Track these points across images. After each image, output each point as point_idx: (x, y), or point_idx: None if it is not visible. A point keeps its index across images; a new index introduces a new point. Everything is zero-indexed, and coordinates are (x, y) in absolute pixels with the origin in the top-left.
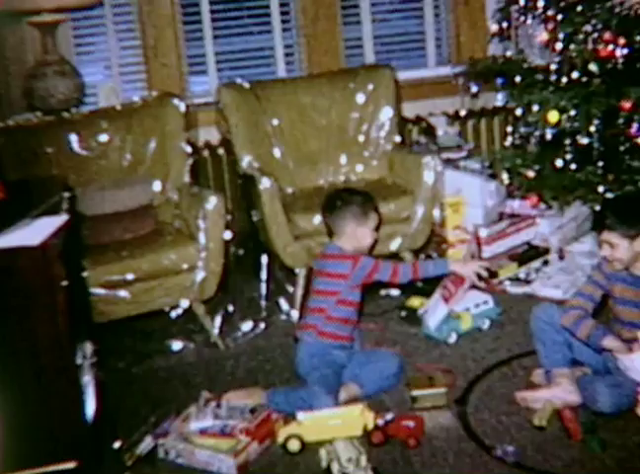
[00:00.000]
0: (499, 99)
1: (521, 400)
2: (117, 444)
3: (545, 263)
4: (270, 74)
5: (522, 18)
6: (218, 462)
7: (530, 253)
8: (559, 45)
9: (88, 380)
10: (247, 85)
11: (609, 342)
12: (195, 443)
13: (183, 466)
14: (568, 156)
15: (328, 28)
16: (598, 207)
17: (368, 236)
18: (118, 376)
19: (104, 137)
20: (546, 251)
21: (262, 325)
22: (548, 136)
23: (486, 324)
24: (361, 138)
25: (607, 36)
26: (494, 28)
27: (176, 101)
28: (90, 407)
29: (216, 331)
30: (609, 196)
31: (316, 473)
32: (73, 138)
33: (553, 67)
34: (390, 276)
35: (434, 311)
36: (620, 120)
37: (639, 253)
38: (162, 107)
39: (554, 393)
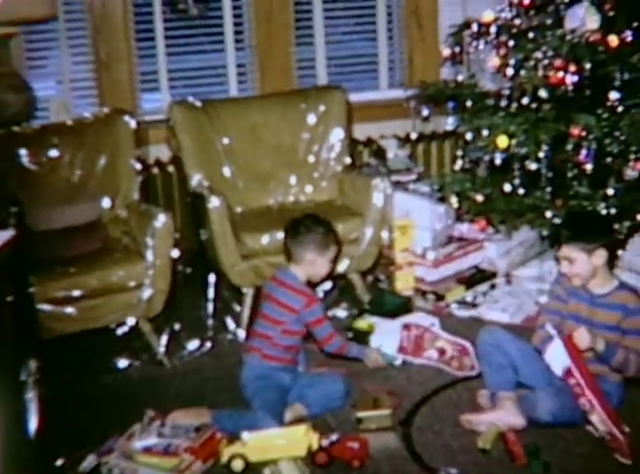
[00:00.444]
0: (450, 123)
1: (466, 422)
2: (59, 462)
3: (492, 286)
4: (222, 93)
5: (475, 43)
6: None
7: (478, 276)
8: (510, 71)
9: (31, 397)
10: (199, 103)
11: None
12: (138, 462)
13: None
14: (516, 181)
15: (281, 48)
16: (552, 227)
17: (326, 267)
18: (62, 393)
19: (54, 152)
20: (493, 275)
21: (208, 344)
22: (497, 161)
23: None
24: (312, 159)
25: (558, 62)
26: (446, 52)
27: (127, 117)
28: (33, 424)
29: (162, 349)
30: (558, 221)
31: None
32: (23, 153)
33: (504, 93)
34: (323, 338)
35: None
36: (569, 147)
37: (597, 268)
38: (113, 123)
39: (498, 416)
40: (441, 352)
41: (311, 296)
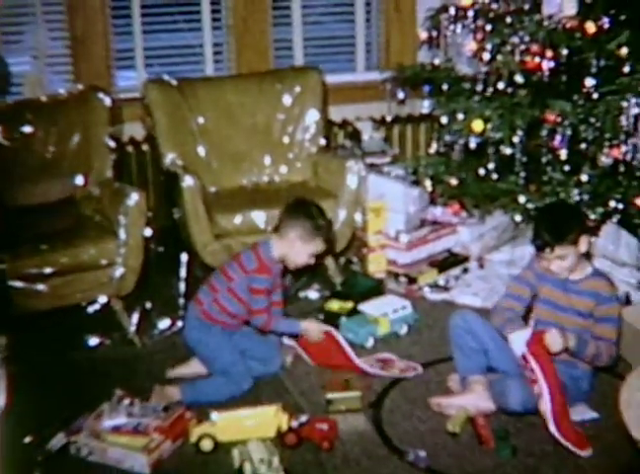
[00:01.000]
0: (425, 106)
1: (436, 406)
2: (27, 440)
3: (465, 270)
4: (198, 72)
5: (452, 27)
6: (131, 460)
7: (450, 260)
8: (486, 56)
9: (0, 374)
10: (174, 82)
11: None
12: (107, 441)
13: (95, 464)
14: (491, 165)
15: (258, 28)
16: (527, 216)
17: (303, 256)
18: (32, 371)
19: (27, 129)
20: (466, 259)
21: (179, 323)
22: (472, 145)
23: (404, 329)
24: (286, 140)
25: (535, 48)
26: (423, 35)
27: (102, 95)
28: (1, 400)
29: (133, 328)
30: (531, 206)
31: (228, 473)
32: None
33: (480, 77)
34: (255, 309)
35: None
36: (544, 132)
37: (580, 254)
38: (87, 100)
39: (468, 400)
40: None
41: (265, 265)
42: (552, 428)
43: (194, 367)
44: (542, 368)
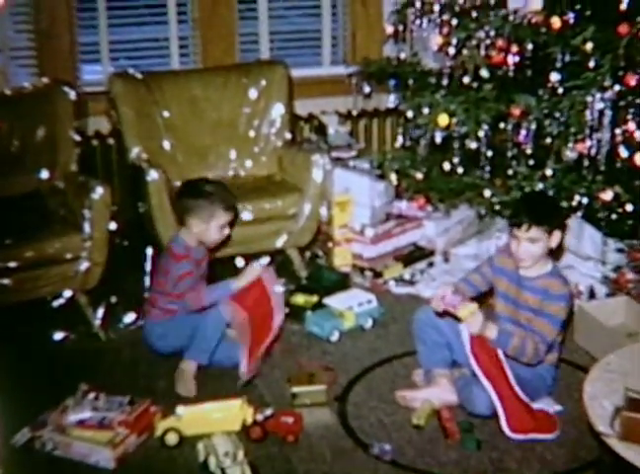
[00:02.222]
0: (391, 100)
1: (401, 399)
2: None
3: (430, 264)
4: (164, 66)
5: (418, 21)
6: (96, 454)
7: (416, 254)
8: (452, 50)
9: None
10: (139, 75)
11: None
12: (72, 436)
13: (60, 458)
14: (456, 160)
15: (224, 21)
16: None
17: (215, 233)
18: None
19: None
20: (431, 253)
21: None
22: (438, 139)
23: (369, 323)
24: (252, 134)
25: (500, 43)
26: (389, 30)
27: (67, 88)
28: None
29: (98, 322)
30: (496, 201)
31: (193, 467)
32: None
33: (445, 71)
34: (184, 292)
35: None
36: (509, 127)
37: (547, 250)
38: (52, 94)
39: (433, 393)
40: None
41: (178, 254)
42: (506, 430)
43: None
44: (483, 369)
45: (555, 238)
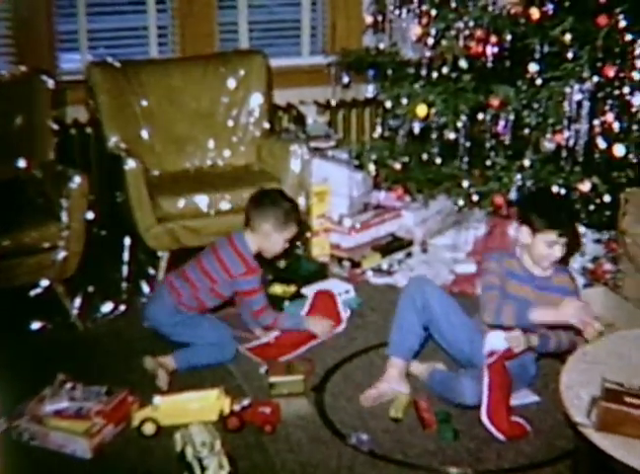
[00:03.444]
0: (370, 90)
1: (364, 400)
2: None
3: (408, 255)
4: (142, 55)
5: (397, 11)
6: (73, 444)
7: (394, 244)
8: (431, 41)
9: None
10: (118, 64)
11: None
12: (49, 426)
13: (37, 448)
14: (434, 150)
15: (203, 11)
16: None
17: (279, 244)
18: None
19: None
20: (410, 243)
21: (122, 307)
22: (416, 130)
23: (347, 313)
24: (230, 123)
25: (479, 33)
26: (369, 20)
27: (45, 77)
28: None
29: (76, 311)
30: (474, 191)
31: (170, 457)
32: None
33: (424, 62)
34: (255, 310)
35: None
36: (487, 117)
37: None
38: (30, 82)
39: (384, 387)
40: None
41: (251, 267)
42: (484, 417)
43: None
44: (490, 384)
45: None
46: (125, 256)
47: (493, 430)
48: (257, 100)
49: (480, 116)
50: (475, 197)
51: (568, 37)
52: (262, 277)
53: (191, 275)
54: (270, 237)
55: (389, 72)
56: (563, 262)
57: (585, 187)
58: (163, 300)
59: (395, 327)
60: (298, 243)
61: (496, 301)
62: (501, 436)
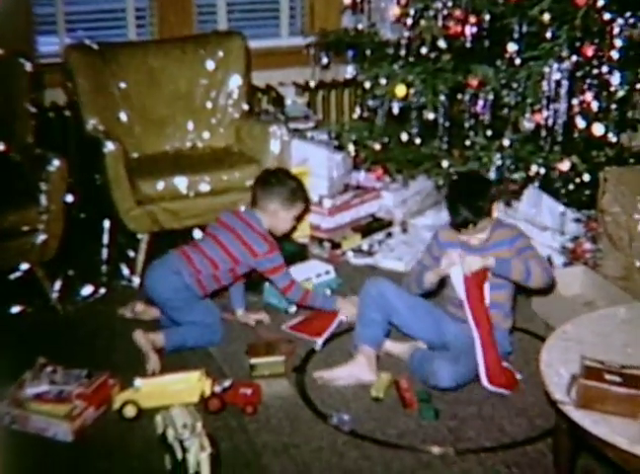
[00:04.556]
0: (349, 71)
1: (319, 378)
2: None
3: (388, 235)
4: (121, 37)
5: None
6: (54, 428)
7: (374, 225)
8: (410, 21)
9: None
10: (95, 46)
11: (431, 275)
12: (30, 409)
13: (18, 432)
14: (414, 130)
15: None
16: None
17: (288, 222)
18: None
19: None
20: (390, 223)
21: (102, 290)
22: (395, 110)
23: (327, 293)
24: (209, 105)
25: (457, 13)
26: (347, 0)
27: (22, 60)
28: None
29: (56, 295)
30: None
31: (152, 439)
32: None
33: (403, 42)
34: (284, 286)
35: None
36: (466, 97)
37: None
38: (8, 65)
39: (351, 370)
40: None
41: (272, 243)
42: (485, 382)
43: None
44: (474, 314)
45: (494, 211)
46: (105, 238)
47: (497, 390)
48: (236, 81)
49: (459, 96)
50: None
51: (546, 16)
52: None
53: (212, 254)
54: (278, 215)
55: (368, 53)
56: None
57: (564, 166)
58: (175, 272)
59: (358, 321)
60: None
61: (411, 274)
62: (506, 392)
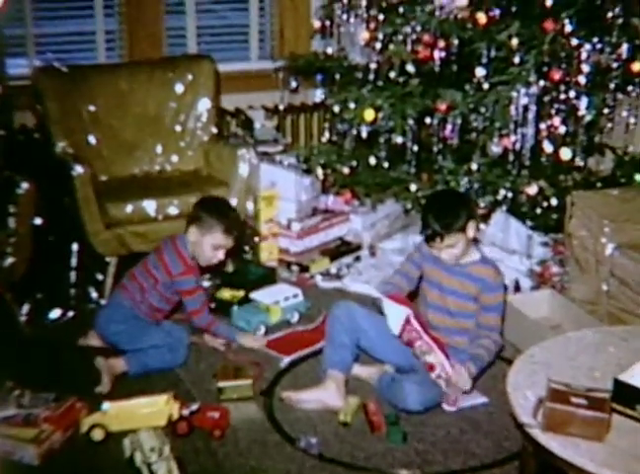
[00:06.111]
0: (318, 95)
1: (286, 399)
2: None
3: (357, 258)
4: (90, 59)
5: (345, 16)
6: (21, 451)
7: (342, 248)
8: (379, 45)
9: None
10: (65, 69)
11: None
12: None
13: None
14: (382, 154)
15: (151, 15)
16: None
17: (207, 249)
18: None
19: None
20: (358, 247)
21: (70, 313)
22: (364, 134)
23: (295, 317)
24: (178, 128)
25: (426, 38)
26: (317, 24)
27: None
28: None
29: (24, 318)
30: (422, 195)
31: (120, 462)
32: None
33: (372, 66)
34: (192, 310)
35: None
36: (435, 122)
37: (470, 240)
38: None
39: (319, 395)
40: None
41: (189, 266)
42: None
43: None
44: (430, 343)
45: (471, 229)
46: (73, 261)
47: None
48: (205, 105)
49: (427, 120)
50: (423, 201)
51: (514, 41)
52: (212, 282)
53: (138, 275)
54: (195, 239)
55: (337, 77)
56: None
57: (532, 190)
58: (118, 305)
59: (327, 345)
60: (246, 247)
61: (389, 287)
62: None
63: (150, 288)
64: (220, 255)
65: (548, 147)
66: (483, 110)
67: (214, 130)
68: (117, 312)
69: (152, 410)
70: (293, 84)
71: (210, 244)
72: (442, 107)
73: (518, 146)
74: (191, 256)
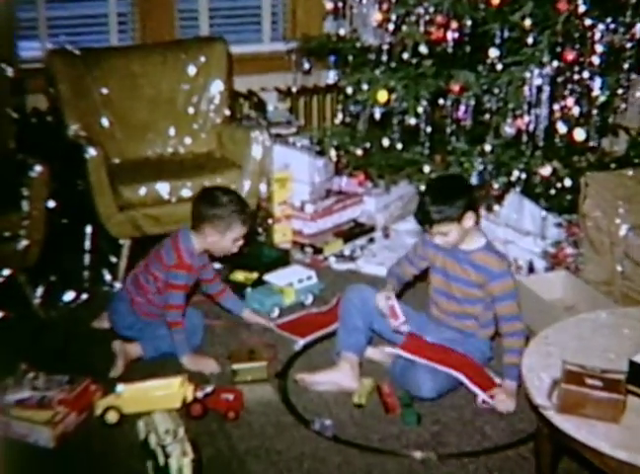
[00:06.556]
0: (331, 77)
1: (300, 381)
2: None
3: (370, 240)
4: (102, 42)
5: None
6: (35, 434)
7: (356, 230)
8: (391, 26)
9: None
10: (77, 52)
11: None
12: (11, 415)
13: None
14: (395, 136)
15: None
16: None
17: (227, 244)
18: None
19: None
20: (372, 229)
21: (84, 295)
22: (377, 115)
23: (309, 299)
24: (191, 111)
25: (439, 19)
26: (329, 6)
27: (4, 65)
28: None
29: (38, 300)
30: (432, 177)
31: (134, 445)
32: None
33: (385, 47)
34: (167, 305)
35: None
36: (448, 103)
37: (468, 229)
38: None
39: (332, 376)
40: None
41: (183, 262)
42: (485, 398)
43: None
44: (431, 359)
45: (468, 220)
46: (87, 244)
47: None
48: (217, 87)
49: (441, 101)
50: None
51: (528, 22)
52: (224, 264)
53: (141, 279)
54: (213, 238)
55: (350, 58)
56: None
57: (545, 171)
58: (126, 312)
59: (340, 328)
60: (260, 229)
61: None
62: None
63: (152, 289)
64: (240, 243)
65: (562, 128)
66: (496, 91)
67: (227, 112)
68: (126, 319)
69: (166, 392)
70: (306, 66)
71: (232, 239)
72: (456, 88)
73: (531, 127)
74: (199, 251)
